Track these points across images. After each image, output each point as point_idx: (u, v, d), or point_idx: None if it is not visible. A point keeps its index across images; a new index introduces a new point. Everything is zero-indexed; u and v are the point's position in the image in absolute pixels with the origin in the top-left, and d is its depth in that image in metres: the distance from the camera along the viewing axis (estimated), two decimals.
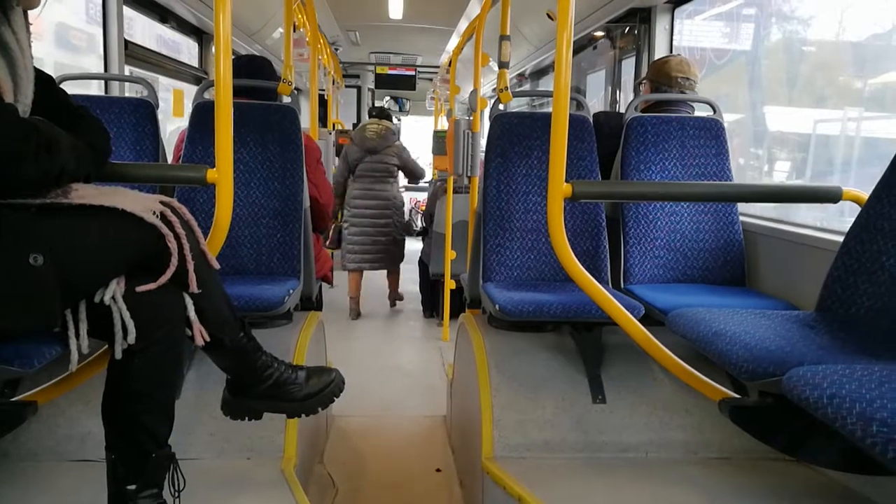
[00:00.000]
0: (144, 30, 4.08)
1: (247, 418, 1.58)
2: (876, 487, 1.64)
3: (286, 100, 2.53)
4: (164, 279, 1.31)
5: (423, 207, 5.99)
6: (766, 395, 1.38)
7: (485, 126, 3.69)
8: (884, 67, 2.73)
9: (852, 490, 1.69)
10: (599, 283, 1.66)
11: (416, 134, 11.39)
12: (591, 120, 2.52)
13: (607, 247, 2.42)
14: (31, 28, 1.33)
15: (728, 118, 2.79)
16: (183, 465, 1.44)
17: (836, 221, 2.34)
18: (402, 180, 5.69)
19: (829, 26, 3.07)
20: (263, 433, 1.85)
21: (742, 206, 2.57)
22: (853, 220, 1.58)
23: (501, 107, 2.55)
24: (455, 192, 4.28)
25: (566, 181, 1.57)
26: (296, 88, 2.56)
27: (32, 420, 1.66)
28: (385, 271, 5.28)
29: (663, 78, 2.63)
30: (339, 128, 6.70)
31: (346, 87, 9.06)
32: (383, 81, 9.11)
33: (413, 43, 7.78)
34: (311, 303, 2.56)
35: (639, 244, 2.46)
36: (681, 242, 2.48)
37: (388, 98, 10.46)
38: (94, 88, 3.31)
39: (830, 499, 1.68)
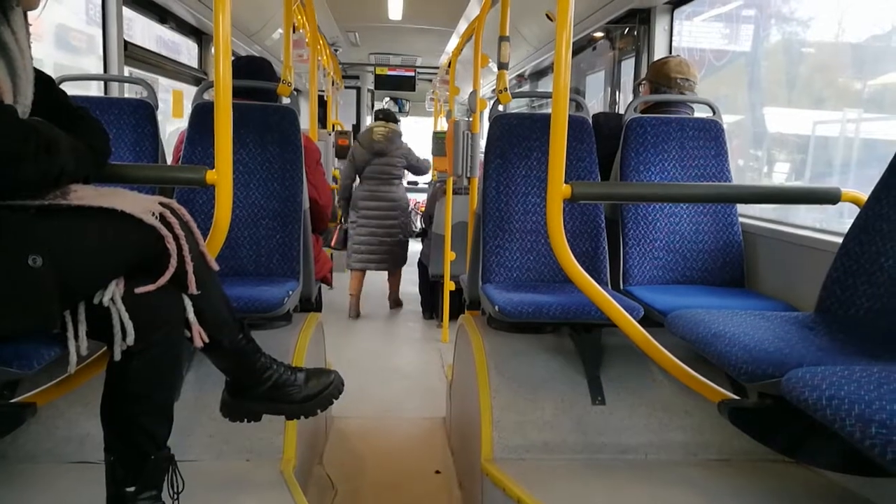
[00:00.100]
0: (144, 31, 4.08)
1: (246, 420, 1.58)
2: (875, 489, 1.64)
3: (286, 101, 2.53)
4: (163, 280, 1.31)
5: (423, 209, 5.99)
6: (766, 397, 1.37)
7: (484, 127, 3.70)
8: (883, 69, 2.73)
9: (851, 491, 1.69)
10: (599, 284, 1.66)
11: (416, 135, 11.38)
12: (590, 121, 2.52)
13: (606, 248, 2.42)
14: (31, 29, 1.33)
15: (727, 119, 2.79)
16: (182, 466, 1.44)
17: (835, 223, 2.34)
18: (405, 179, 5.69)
19: (828, 28, 3.08)
20: (262, 435, 1.85)
21: (741, 208, 2.57)
22: (852, 221, 1.58)
23: (501, 108, 2.55)
24: (454, 193, 4.28)
25: (565, 182, 1.57)
26: (295, 89, 2.56)
27: (31, 422, 1.65)
28: (386, 273, 5.30)
29: (663, 79, 2.63)
30: (339, 129, 6.69)
31: (346, 88, 9.05)
32: (383, 82, 9.10)
33: (412, 44, 7.77)
34: (310, 304, 2.56)
35: (638, 245, 2.46)
36: (680, 244, 2.48)
37: (387, 99, 10.44)
38: (94, 89, 3.31)
39: (830, 500, 1.68)
